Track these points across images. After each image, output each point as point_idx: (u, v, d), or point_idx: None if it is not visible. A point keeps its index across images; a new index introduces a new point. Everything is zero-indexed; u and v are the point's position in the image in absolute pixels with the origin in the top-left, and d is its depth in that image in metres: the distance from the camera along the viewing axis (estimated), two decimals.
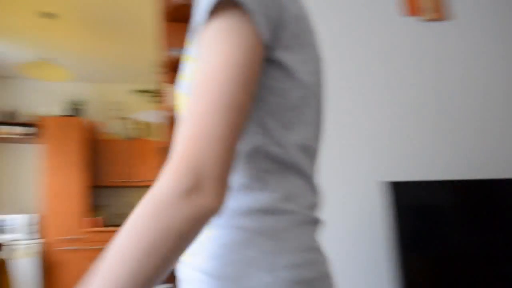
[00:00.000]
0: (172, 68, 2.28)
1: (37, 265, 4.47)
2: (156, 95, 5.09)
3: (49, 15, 3.68)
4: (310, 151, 0.60)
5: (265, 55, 0.55)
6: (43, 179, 4.70)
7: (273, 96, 0.56)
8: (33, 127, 4.89)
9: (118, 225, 5.12)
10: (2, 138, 4.85)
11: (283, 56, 0.56)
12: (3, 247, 3.01)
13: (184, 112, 0.48)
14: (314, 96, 0.61)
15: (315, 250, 0.56)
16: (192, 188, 0.45)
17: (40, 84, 5.14)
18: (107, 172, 5.11)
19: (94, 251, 4.69)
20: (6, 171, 5.02)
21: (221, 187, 0.47)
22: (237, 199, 0.55)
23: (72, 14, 3.71)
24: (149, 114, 3.73)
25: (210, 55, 0.49)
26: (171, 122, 2.47)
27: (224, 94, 0.48)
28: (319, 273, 0.54)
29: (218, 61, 0.49)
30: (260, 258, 0.51)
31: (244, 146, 0.55)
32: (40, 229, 4.77)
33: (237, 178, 0.56)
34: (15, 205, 4.78)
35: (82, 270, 4.64)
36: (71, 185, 4.74)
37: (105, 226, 4.96)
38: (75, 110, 5.06)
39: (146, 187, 5.33)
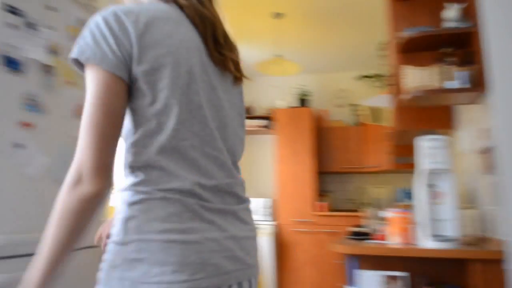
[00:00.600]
0: (406, 48, 2.16)
1: (272, 244, 4.99)
2: (382, 79, 4.95)
3: (278, 15, 4.00)
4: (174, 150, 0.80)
5: (128, 82, 0.78)
6: (276, 166, 5.21)
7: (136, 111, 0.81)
8: (267, 120, 5.49)
9: (343, 210, 5.26)
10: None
11: (141, 78, 0.78)
12: None
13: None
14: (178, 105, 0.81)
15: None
16: (76, 181, 0.74)
17: (273, 79, 5.68)
18: (334, 158, 5.26)
19: (321, 234, 4.94)
20: (247, 160, 5.79)
21: (96, 179, 0.73)
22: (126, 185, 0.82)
23: (297, 12, 3.94)
24: (375, 99, 3.65)
25: (87, 97, 0.76)
26: (399, 105, 2.35)
27: (89, 120, 0.74)
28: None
29: (87, 100, 0.76)
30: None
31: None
32: (275, 211, 5.32)
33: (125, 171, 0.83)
34: (254, 190, 5.44)
35: (310, 250, 4.95)
36: (301, 172, 5.10)
37: (331, 210, 5.17)
38: (303, 101, 5.41)
39: (373, 173, 5.28)
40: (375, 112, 5.13)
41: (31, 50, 1.54)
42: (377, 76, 5.20)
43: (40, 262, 0.74)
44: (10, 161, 1.41)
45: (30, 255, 0.93)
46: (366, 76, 5.39)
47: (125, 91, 0.77)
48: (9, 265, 1.35)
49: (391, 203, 4.31)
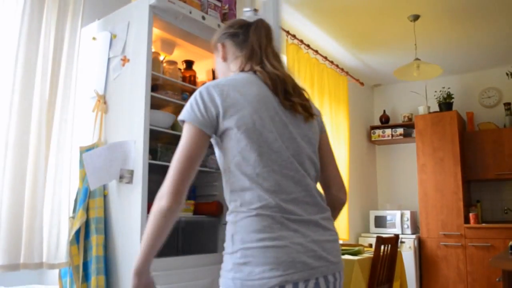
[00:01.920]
0: None
1: (415, 258, 4.69)
2: None
3: (416, 17, 3.80)
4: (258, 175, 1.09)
5: (211, 134, 1.13)
6: (419, 176, 4.90)
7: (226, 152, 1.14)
8: (408, 127, 5.22)
9: (497, 221, 4.72)
10: (383, 140, 5.42)
11: (228, 128, 1.10)
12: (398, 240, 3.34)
13: None
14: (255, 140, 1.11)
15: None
16: (160, 198, 1.08)
17: (413, 84, 5.38)
18: (484, 164, 4.76)
19: (472, 248, 4.49)
20: (386, 170, 5.57)
21: (171, 198, 1.07)
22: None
23: (434, 11, 3.70)
24: None
25: (180, 144, 1.12)
26: None
27: (176, 158, 1.10)
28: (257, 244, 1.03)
29: (179, 145, 1.11)
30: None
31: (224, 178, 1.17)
32: (415, 224, 5.00)
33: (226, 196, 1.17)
34: (395, 201, 5.20)
35: (459, 266, 4.54)
36: (446, 181, 4.73)
37: (482, 222, 4.67)
38: (446, 105, 5.02)
39: None
40: None
41: None
42: None
43: (142, 245, 1.11)
44: None
45: None
46: None
47: (206, 142, 1.12)
48: None
49: None
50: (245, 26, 1.29)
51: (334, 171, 1.29)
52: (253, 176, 1.07)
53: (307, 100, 1.24)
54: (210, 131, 1.11)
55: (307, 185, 1.12)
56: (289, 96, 1.18)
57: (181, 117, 1.14)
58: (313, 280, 1.03)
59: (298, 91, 1.23)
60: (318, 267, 1.04)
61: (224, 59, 1.32)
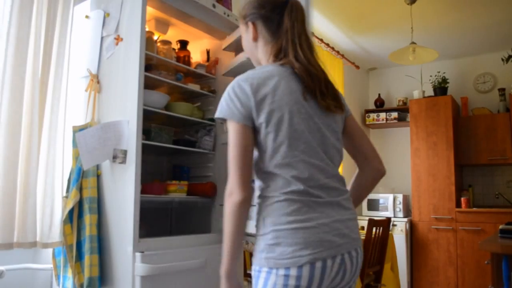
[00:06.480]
0: None
1: (407, 241, 4.75)
2: None
3: (411, 1, 3.76)
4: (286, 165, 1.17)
5: (252, 124, 1.17)
6: (412, 160, 4.93)
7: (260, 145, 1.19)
8: (402, 111, 5.23)
9: (488, 205, 4.78)
10: (377, 124, 5.44)
11: (261, 121, 1.16)
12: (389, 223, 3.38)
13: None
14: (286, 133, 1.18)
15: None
16: (229, 194, 1.14)
17: (409, 68, 5.37)
18: (477, 149, 4.78)
19: (462, 232, 4.56)
20: (381, 154, 5.58)
21: (240, 191, 1.12)
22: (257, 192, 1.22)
23: None
24: None
25: (229, 140, 1.17)
26: None
27: (232, 155, 1.15)
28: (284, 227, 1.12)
29: (230, 142, 1.16)
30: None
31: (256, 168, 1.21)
32: (407, 207, 5.05)
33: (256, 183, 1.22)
34: (387, 185, 5.22)
35: (449, 249, 4.61)
36: (439, 165, 4.76)
37: (473, 206, 4.73)
38: (441, 89, 5.02)
39: None
40: None
41: None
42: None
43: (225, 247, 1.16)
44: None
45: None
46: None
47: (250, 132, 1.17)
48: None
49: None
50: (279, 8, 1.26)
51: (370, 147, 1.36)
52: (283, 165, 1.15)
53: (339, 98, 1.29)
54: (250, 122, 1.17)
55: (330, 172, 1.21)
56: (323, 96, 1.22)
57: (220, 115, 1.18)
58: (339, 256, 1.13)
59: (331, 88, 1.26)
60: (343, 244, 1.14)
61: (255, 39, 1.31)
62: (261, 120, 1.15)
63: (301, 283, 1.08)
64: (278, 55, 1.25)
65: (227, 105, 1.17)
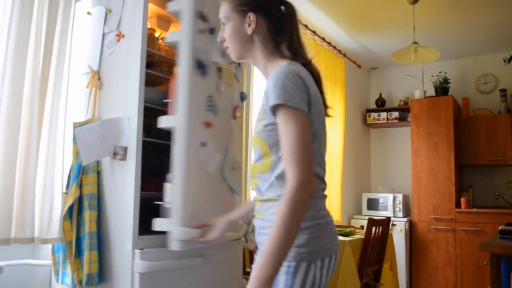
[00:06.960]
0: None
1: (406, 241, 4.74)
2: None
3: (414, 1, 3.75)
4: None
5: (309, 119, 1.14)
6: (413, 160, 4.92)
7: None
8: (403, 111, 5.22)
9: (488, 206, 4.77)
10: (378, 124, 5.43)
11: (310, 118, 1.15)
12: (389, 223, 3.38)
13: (285, 152, 1.10)
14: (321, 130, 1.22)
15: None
16: (305, 183, 1.06)
17: (410, 68, 5.35)
18: (478, 150, 4.76)
19: (462, 232, 4.56)
20: (380, 154, 5.59)
21: (312, 181, 1.08)
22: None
23: None
24: None
25: (289, 129, 1.09)
26: None
27: (298, 143, 1.08)
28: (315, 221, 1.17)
29: (292, 131, 1.09)
30: None
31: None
32: (407, 207, 5.04)
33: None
34: (388, 185, 5.24)
35: (449, 250, 4.61)
36: (439, 165, 4.76)
37: (473, 207, 4.73)
38: (442, 90, 5.01)
39: None
40: None
41: (214, 54, 1.67)
42: None
43: (276, 250, 1.04)
44: (197, 159, 1.57)
45: None
46: None
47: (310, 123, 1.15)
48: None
49: None
50: (282, 5, 1.26)
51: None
52: (316, 163, 1.18)
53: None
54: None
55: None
56: (324, 97, 1.27)
57: (282, 101, 1.09)
58: (337, 252, 1.24)
59: (324, 91, 1.29)
60: (337, 241, 1.26)
61: (254, 32, 1.22)
62: (311, 115, 1.15)
63: (329, 273, 1.17)
64: (284, 54, 1.23)
65: (293, 92, 1.09)
